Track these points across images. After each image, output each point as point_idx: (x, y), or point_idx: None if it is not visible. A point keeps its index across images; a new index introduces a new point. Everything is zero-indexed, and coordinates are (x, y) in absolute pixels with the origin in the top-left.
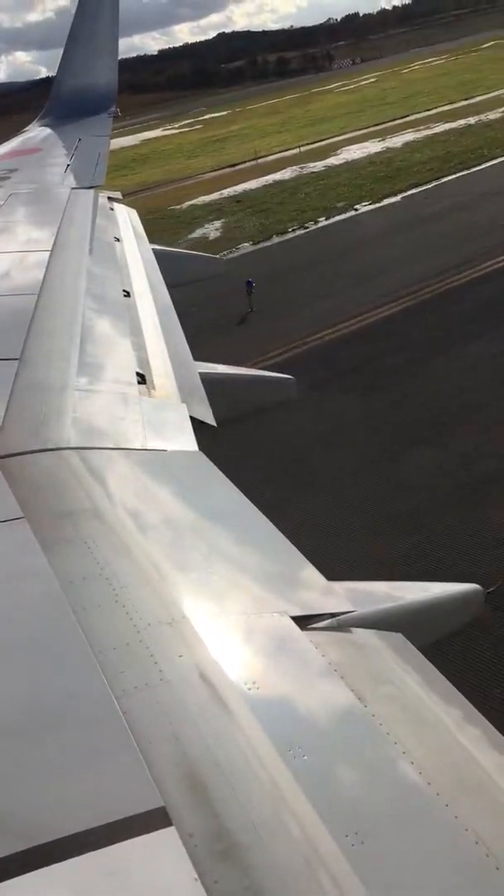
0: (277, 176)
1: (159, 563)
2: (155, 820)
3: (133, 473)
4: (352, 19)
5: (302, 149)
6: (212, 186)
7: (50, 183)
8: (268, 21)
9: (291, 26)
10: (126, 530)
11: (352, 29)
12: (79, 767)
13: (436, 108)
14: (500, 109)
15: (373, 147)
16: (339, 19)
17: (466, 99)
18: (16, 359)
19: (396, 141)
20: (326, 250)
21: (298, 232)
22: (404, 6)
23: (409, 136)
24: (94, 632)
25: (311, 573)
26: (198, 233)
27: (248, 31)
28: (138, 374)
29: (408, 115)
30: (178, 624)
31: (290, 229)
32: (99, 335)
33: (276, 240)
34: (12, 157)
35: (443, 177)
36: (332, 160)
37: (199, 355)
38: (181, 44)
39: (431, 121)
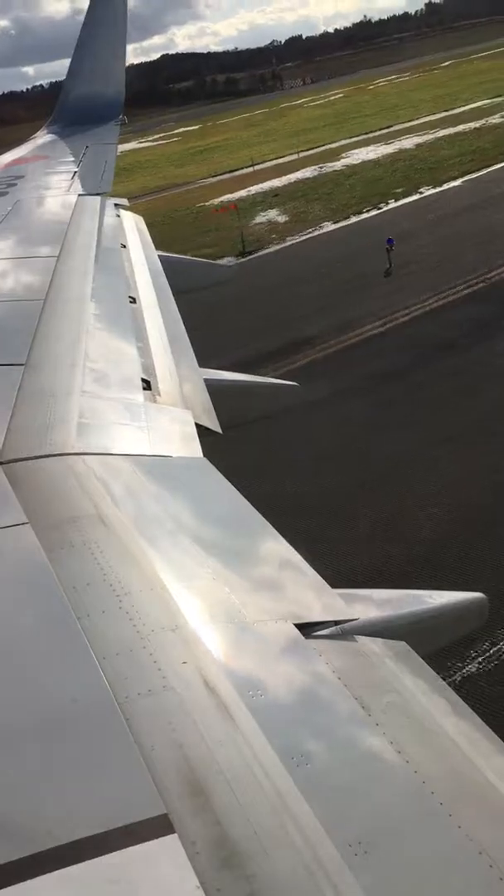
0: (299, 175)
1: (163, 569)
2: (157, 827)
3: (138, 480)
4: (295, 42)
5: (300, 154)
6: (231, 186)
7: (57, 190)
8: (210, 44)
9: (236, 48)
10: (130, 536)
11: (296, 51)
12: (81, 773)
13: (421, 118)
14: (499, 114)
15: (384, 149)
16: (282, 42)
17: (447, 110)
18: (21, 364)
19: (405, 144)
20: (422, 222)
21: (373, 212)
22: (346, 30)
23: (414, 139)
24: (98, 638)
25: (315, 581)
26: (259, 219)
27: (193, 53)
28: (143, 380)
29: (394, 125)
30: (182, 630)
31: (363, 210)
32: (104, 341)
33: (354, 219)
34: (20, 164)
35: (489, 166)
36: (347, 161)
37: (362, 305)
38: (127, 64)
39: (428, 127)
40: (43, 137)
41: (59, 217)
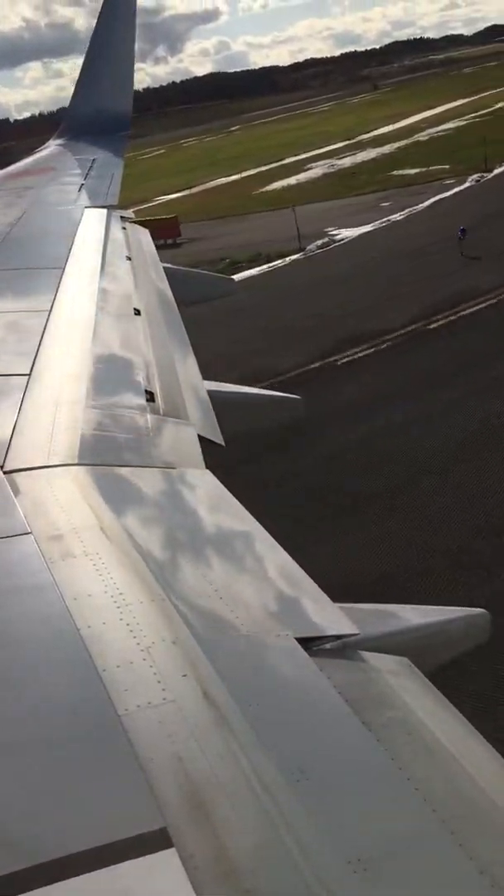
0: (313, 174)
1: (164, 581)
2: (156, 841)
3: (140, 491)
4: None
5: (243, 174)
6: (252, 186)
7: (64, 201)
8: None
9: None
10: (131, 548)
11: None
12: (80, 786)
13: (310, 152)
14: (398, 143)
15: (364, 155)
16: None
17: (323, 147)
18: (26, 374)
19: (382, 150)
20: None
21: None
22: (51, 114)
23: (372, 153)
24: (99, 649)
25: (316, 595)
26: (406, 171)
27: None
28: (147, 391)
29: (286, 160)
30: (183, 643)
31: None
32: (109, 353)
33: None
34: (28, 176)
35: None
36: (342, 162)
37: None
38: None
39: (353, 148)
40: (50, 150)
41: (65, 229)
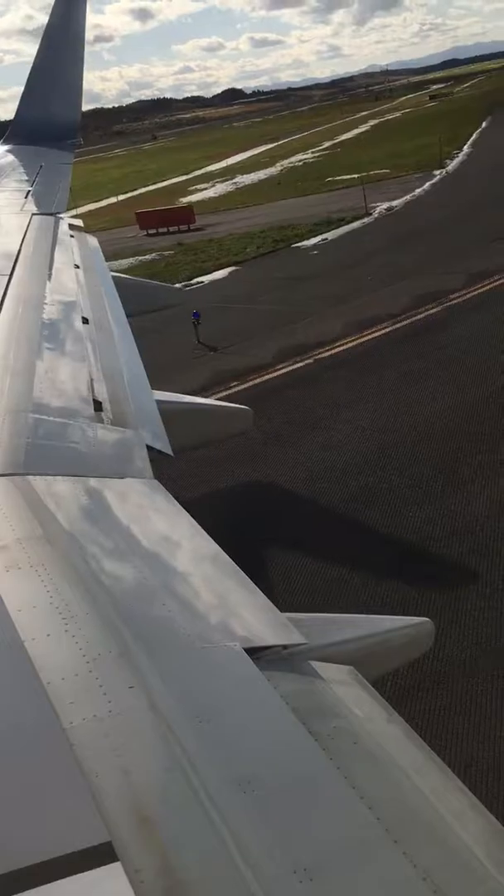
0: (221, 189)
1: (111, 592)
2: (100, 855)
3: (87, 501)
4: None
5: (119, 197)
6: (158, 201)
7: (10, 208)
8: None
9: None
10: (78, 559)
11: None
12: (23, 800)
13: (163, 182)
14: (280, 165)
15: (256, 175)
16: None
17: (169, 179)
18: None
19: (269, 172)
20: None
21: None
22: None
23: (261, 174)
24: (43, 661)
25: (263, 604)
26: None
27: None
28: (95, 401)
29: (138, 189)
30: (129, 655)
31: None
32: (56, 362)
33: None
34: None
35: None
36: (242, 180)
37: None
38: None
39: (219, 175)
40: None
41: (11, 236)
